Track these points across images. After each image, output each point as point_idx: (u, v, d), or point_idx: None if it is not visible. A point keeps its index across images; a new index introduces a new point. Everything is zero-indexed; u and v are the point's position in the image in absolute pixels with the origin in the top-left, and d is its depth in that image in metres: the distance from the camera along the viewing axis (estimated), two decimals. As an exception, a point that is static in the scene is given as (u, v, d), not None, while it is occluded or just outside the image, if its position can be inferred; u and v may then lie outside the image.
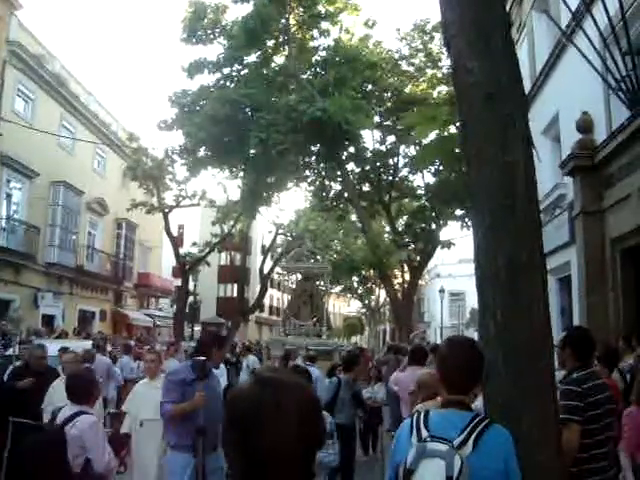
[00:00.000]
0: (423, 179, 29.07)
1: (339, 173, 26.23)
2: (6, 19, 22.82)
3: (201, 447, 5.13)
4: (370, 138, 28.73)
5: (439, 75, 26.57)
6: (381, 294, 52.85)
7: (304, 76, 24.81)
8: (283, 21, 23.88)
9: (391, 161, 28.86)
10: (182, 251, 35.97)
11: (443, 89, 26.10)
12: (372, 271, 38.58)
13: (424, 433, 2.68)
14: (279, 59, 25.99)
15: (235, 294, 44.23)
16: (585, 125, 11.01)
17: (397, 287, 30.94)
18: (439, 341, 29.21)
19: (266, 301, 50.83)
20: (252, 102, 21.77)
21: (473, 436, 2.59)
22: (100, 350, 12.88)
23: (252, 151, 22.30)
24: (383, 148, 28.81)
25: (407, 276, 31.50)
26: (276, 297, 57.23)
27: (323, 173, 28.74)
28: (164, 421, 5.72)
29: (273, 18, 22.66)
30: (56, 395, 7.08)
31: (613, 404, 4.40)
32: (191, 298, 36.43)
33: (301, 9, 24.48)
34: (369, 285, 51.82)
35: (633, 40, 9.03)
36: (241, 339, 34.89)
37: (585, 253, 10.85)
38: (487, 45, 3.08)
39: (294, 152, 22.39)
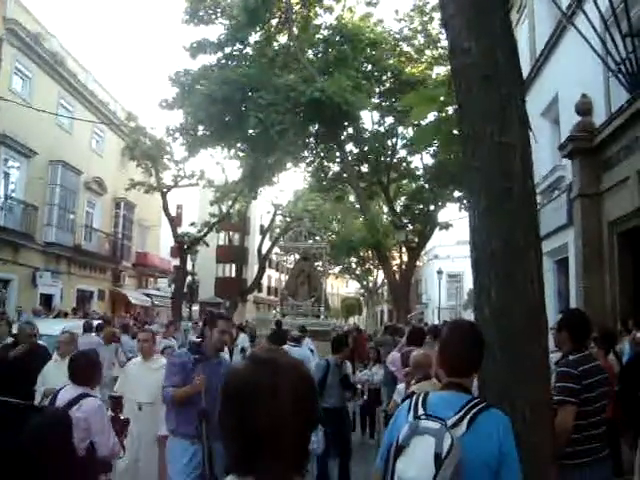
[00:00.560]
0: (422, 160, 29.08)
1: (338, 154, 26.20)
2: (3, -3, 22.63)
3: (204, 432, 4.98)
4: (369, 119, 28.70)
5: (437, 56, 26.47)
6: (379, 275, 52.90)
7: (305, 55, 24.69)
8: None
9: (390, 142, 28.78)
10: (180, 231, 35.99)
11: (442, 70, 26.01)
12: (370, 252, 38.65)
13: (420, 412, 2.71)
14: (282, 38, 25.87)
15: (233, 274, 44.29)
16: (584, 107, 10.97)
17: (395, 268, 30.97)
18: (437, 322, 29.34)
19: (264, 281, 50.95)
20: (251, 82, 21.68)
21: (468, 417, 2.62)
22: (90, 330, 12.78)
23: (251, 131, 22.24)
24: (382, 129, 28.73)
25: (405, 257, 31.55)
26: (274, 277, 57.33)
27: (322, 154, 28.71)
28: (166, 406, 5.56)
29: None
30: (49, 376, 7.00)
31: (608, 386, 4.42)
32: (189, 278, 36.47)
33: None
34: (367, 266, 51.87)
35: (634, 22, 8.99)
36: (239, 319, 35.00)
37: (583, 235, 10.86)
38: (485, 26, 3.06)
39: (293, 132, 22.30)
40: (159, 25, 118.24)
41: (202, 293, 45.76)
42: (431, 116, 5.80)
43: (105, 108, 31.65)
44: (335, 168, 29.31)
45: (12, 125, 22.53)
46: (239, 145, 25.01)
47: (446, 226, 28.47)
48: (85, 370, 5.01)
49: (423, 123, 7.04)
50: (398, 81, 26.20)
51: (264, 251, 41.26)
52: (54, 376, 6.82)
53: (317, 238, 21.85)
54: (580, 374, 4.09)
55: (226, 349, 11.32)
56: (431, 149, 25.99)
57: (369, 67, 26.52)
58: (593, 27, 9.32)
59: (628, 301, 9.97)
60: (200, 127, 24.04)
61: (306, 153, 28.60)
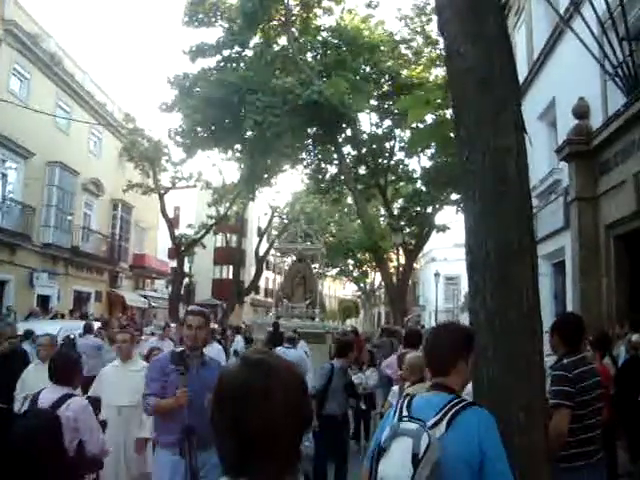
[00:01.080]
0: (419, 163, 29.15)
1: (335, 156, 26.23)
2: (1, -3, 22.62)
3: (187, 447, 4.63)
4: (367, 121, 28.81)
5: (435, 58, 26.51)
6: (376, 277, 52.98)
7: (304, 58, 24.74)
8: (285, 2, 23.76)
9: (387, 144, 28.82)
10: (178, 233, 36.02)
11: (440, 72, 26.05)
12: (367, 254, 38.68)
13: (404, 414, 2.75)
14: (282, 40, 25.93)
15: (231, 276, 44.27)
16: (581, 111, 11.00)
17: (392, 271, 31.00)
18: (434, 325, 29.35)
19: (262, 283, 50.93)
20: (248, 84, 21.70)
21: (447, 417, 2.64)
22: (90, 331, 12.79)
23: (248, 133, 22.28)
24: (379, 132, 28.78)
25: (402, 260, 31.57)
26: (272, 279, 57.36)
27: (319, 156, 28.74)
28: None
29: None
30: (29, 381, 6.78)
31: (602, 389, 4.44)
32: (186, 280, 36.48)
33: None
34: (364, 268, 51.91)
35: (630, 26, 9.00)
36: (237, 321, 35.00)
37: (579, 239, 10.87)
38: (480, 30, 3.07)
39: (290, 134, 22.34)
40: (158, 27, 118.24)
41: (199, 295, 45.78)
42: (429, 118, 5.83)
43: (103, 109, 31.63)
44: (333, 170, 29.35)
45: (9, 126, 22.51)
46: (236, 147, 25.04)
47: (443, 229, 28.53)
48: (66, 370, 4.97)
49: (421, 125, 7.09)
50: (396, 83, 26.25)
51: (261, 253, 41.26)
52: (34, 381, 6.60)
53: (313, 240, 21.80)
54: (575, 377, 4.10)
55: (220, 350, 11.31)
56: (428, 151, 26.03)
57: (367, 69, 26.57)
58: (590, 30, 9.35)
59: (625, 304, 9.98)
60: (198, 129, 24.05)
61: (304, 155, 28.65)
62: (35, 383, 6.41)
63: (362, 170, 28.95)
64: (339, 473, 7.82)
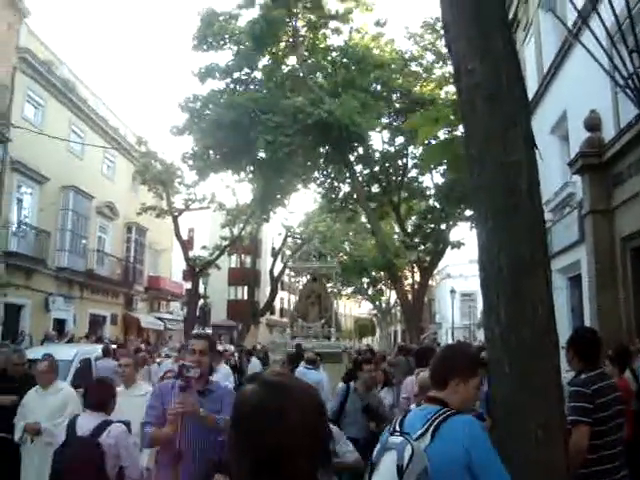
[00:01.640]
0: (432, 180, 29.05)
1: (347, 175, 26.25)
2: (15, 26, 22.96)
3: (178, 476, 4.20)
4: (379, 139, 28.80)
5: (447, 74, 26.54)
6: (392, 295, 52.74)
7: (314, 77, 24.88)
8: (291, 24, 23.93)
9: (400, 162, 28.81)
10: (192, 254, 36.10)
11: (452, 89, 26.08)
12: (382, 272, 38.56)
13: (396, 430, 2.84)
14: (291, 61, 26.11)
15: (245, 297, 44.28)
16: (593, 123, 10.95)
17: (407, 288, 30.87)
18: (450, 342, 29.16)
19: (277, 303, 50.90)
20: (259, 105, 21.83)
21: (432, 427, 2.72)
22: (108, 354, 12.79)
23: (260, 154, 22.38)
24: (392, 149, 28.79)
25: (417, 277, 31.43)
26: (287, 299, 57.31)
27: (332, 174, 28.78)
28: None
29: (281, 21, 22.72)
30: (29, 408, 6.51)
31: (623, 405, 4.37)
32: (201, 301, 36.50)
33: (309, 11, 24.54)
34: (379, 287, 51.73)
35: (640, 37, 8.98)
36: (252, 342, 34.94)
37: (595, 252, 10.78)
38: (488, 46, 3.07)
39: (301, 154, 22.41)
40: (168, 51, 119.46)
41: (214, 316, 45.78)
42: (441, 135, 5.82)
43: (115, 133, 31.91)
44: (346, 188, 29.36)
45: (25, 152, 22.77)
46: (248, 168, 25.14)
47: (458, 245, 28.38)
48: (102, 397, 5.00)
49: (433, 142, 7.07)
50: (408, 101, 26.31)
51: (276, 273, 41.25)
52: (35, 409, 6.45)
53: (327, 258, 21.75)
54: (593, 393, 4.05)
55: (228, 372, 11.19)
56: (441, 168, 25.99)
57: (378, 87, 26.63)
58: (599, 43, 9.33)
59: (642, 317, 9.87)
60: (209, 152, 24.17)
61: (316, 174, 28.71)
62: (36, 412, 6.37)
63: (375, 188, 28.93)
64: None
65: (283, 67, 26.01)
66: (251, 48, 23.19)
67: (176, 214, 33.17)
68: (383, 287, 51.55)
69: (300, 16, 24.54)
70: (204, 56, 25.64)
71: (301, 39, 24.65)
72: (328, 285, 23.62)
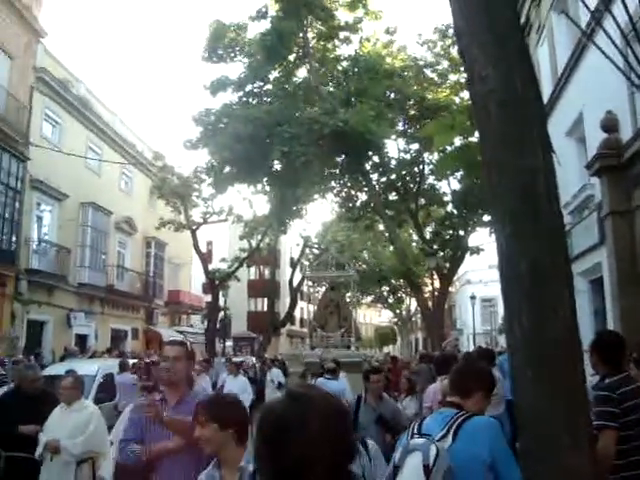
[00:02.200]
0: (449, 186, 28.95)
1: (364, 183, 26.24)
2: (33, 47, 23.30)
3: None
4: (395, 147, 28.75)
5: (462, 80, 26.49)
6: (412, 303, 52.61)
7: (326, 88, 24.92)
8: (302, 35, 24.02)
9: (416, 169, 28.74)
10: (211, 267, 36.21)
11: (466, 94, 26.01)
12: (401, 280, 38.45)
13: (415, 433, 2.98)
14: (301, 72, 26.18)
15: (265, 308, 44.32)
16: (610, 124, 10.86)
17: (427, 295, 30.75)
18: (472, 348, 28.98)
19: (297, 314, 50.92)
20: (274, 117, 21.90)
21: (453, 428, 2.86)
22: (126, 369, 12.80)
23: (276, 165, 22.44)
24: (408, 156, 28.74)
25: (437, 284, 31.30)
26: (307, 309, 57.30)
27: (349, 183, 28.76)
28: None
29: (291, 32, 22.80)
30: (52, 426, 6.38)
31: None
32: (222, 314, 36.59)
33: (319, 22, 24.63)
34: (399, 294, 51.59)
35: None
36: (273, 353, 34.94)
37: (615, 254, 10.68)
38: (500, 51, 3.06)
39: (317, 164, 22.43)
40: (180, 63, 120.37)
41: (235, 328, 45.86)
42: (457, 141, 5.79)
43: (132, 149, 32.20)
44: (363, 197, 29.32)
45: (44, 170, 23.06)
46: (265, 180, 25.20)
47: (477, 250, 28.24)
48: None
49: (449, 149, 7.06)
50: (422, 107, 26.27)
51: (295, 283, 41.26)
52: (57, 426, 6.35)
53: (345, 267, 21.70)
54: (619, 397, 4.00)
55: (245, 382, 11.09)
56: (458, 174, 25.91)
57: (392, 95, 26.63)
58: (614, 43, 9.27)
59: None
60: (226, 166, 24.26)
61: (333, 183, 28.71)
62: (57, 427, 6.29)
63: (392, 196, 28.88)
64: None
65: (294, 78, 26.07)
66: (263, 60, 23.29)
67: (194, 227, 33.33)
68: (403, 295, 51.42)
69: (310, 27, 24.61)
70: (215, 68, 25.83)
71: (311, 50, 24.71)
72: (347, 294, 23.54)
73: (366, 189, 27.09)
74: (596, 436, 3.66)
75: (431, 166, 28.39)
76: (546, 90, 13.96)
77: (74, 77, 27.04)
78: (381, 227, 33.48)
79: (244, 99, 25.52)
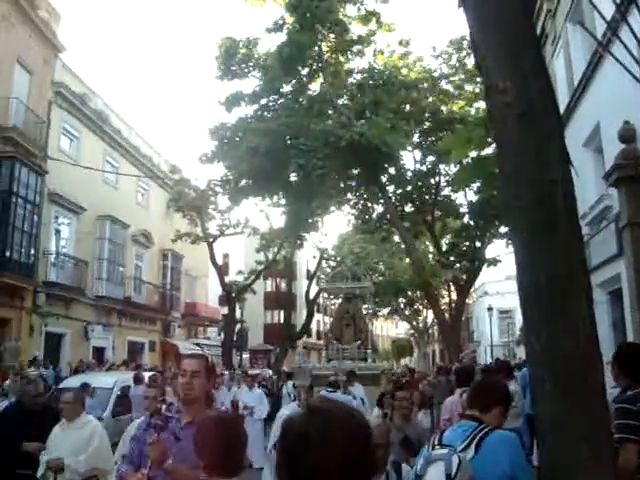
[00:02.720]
0: (465, 197, 28.93)
1: (380, 195, 26.25)
2: (51, 62, 23.58)
3: None
4: (410, 158, 28.76)
5: (477, 91, 26.47)
6: (429, 315, 52.39)
7: (340, 101, 24.99)
8: (316, 48, 24.12)
9: (432, 180, 28.76)
10: (228, 279, 36.28)
11: (482, 105, 25.98)
12: (418, 292, 38.34)
13: (436, 444, 3.05)
14: (314, 86, 26.27)
15: (282, 320, 44.29)
16: (627, 134, 10.80)
17: (444, 307, 30.66)
18: (489, 360, 28.79)
19: (313, 326, 50.79)
20: (290, 130, 21.98)
21: (475, 441, 2.91)
22: (140, 382, 12.76)
23: (293, 177, 22.49)
24: (424, 168, 28.75)
25: (454, 295, 31.19)
26: (323, 321, 57.17)
27: (365, 195, 28.79)
28: None
29: (307, 45, 22.92)
30: (53, 443, 6.07)
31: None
32: (238, 326, 36.61)
33: (332, 35, 24.73)
34: (416, 306, 51.41)
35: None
36: (290, 365, 34.88)
37: (634, 265, 10.57)
38: (517, 64, 3.06)
39: (334, 176, 22.47)
40: (197, 79, 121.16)
41: (251, 340, 45.83)
42: (473, 153, 5.77)
43: (149, 162, 32.42)
44: (379, 209, 29.34)
45: (61, 183, 23.26)
46: (281, 193, 25.27)
47: (494, 262, 28.12)
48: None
49: (465, 161, 7.03)
50: (438, 119, 26.27)
51: (311, 296, 41.23)
52: (59, 443, 6.04)
53: (361, 279, 21.64)
54: (640, 410, 3.95)
55: (261, 394, 10.88)
56: (474, 185, 25.86)
57: (407, 107, 26.66)
58: (630, 53, 9.24)
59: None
60: (242, 179, 24.35)
61: (349, 195, 28.75)
62: (59, 444, 5.99)
63: (408, 207, 28.90)
64: None
65: (308, 92, 26.16)
66: (278, 71, 23.41)
67: (211, 240, 33.45)
68: (420, 307, 51.23)
69: (324, 41, 24.71)
70: (229, 84, 26.00)
71: (325, 63, 24.79)
72: (363, 306, 23.48)
73: (382, 201, 27.10)
74: (617, 450, 3.62)
75: (447, 177, 28.42)
76: (562, 101, 13.91)
77: (91, 91, 27.29)
78: (397, 239, 33.47)
79: (259, 113, 25.65)
